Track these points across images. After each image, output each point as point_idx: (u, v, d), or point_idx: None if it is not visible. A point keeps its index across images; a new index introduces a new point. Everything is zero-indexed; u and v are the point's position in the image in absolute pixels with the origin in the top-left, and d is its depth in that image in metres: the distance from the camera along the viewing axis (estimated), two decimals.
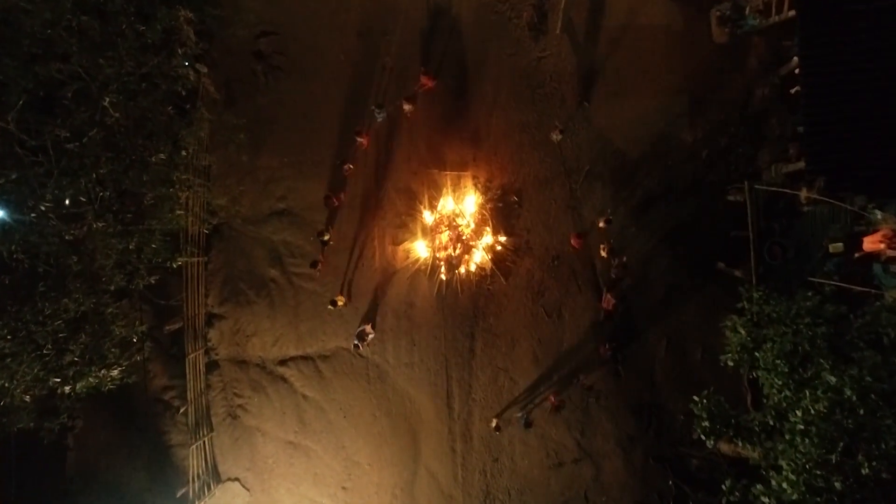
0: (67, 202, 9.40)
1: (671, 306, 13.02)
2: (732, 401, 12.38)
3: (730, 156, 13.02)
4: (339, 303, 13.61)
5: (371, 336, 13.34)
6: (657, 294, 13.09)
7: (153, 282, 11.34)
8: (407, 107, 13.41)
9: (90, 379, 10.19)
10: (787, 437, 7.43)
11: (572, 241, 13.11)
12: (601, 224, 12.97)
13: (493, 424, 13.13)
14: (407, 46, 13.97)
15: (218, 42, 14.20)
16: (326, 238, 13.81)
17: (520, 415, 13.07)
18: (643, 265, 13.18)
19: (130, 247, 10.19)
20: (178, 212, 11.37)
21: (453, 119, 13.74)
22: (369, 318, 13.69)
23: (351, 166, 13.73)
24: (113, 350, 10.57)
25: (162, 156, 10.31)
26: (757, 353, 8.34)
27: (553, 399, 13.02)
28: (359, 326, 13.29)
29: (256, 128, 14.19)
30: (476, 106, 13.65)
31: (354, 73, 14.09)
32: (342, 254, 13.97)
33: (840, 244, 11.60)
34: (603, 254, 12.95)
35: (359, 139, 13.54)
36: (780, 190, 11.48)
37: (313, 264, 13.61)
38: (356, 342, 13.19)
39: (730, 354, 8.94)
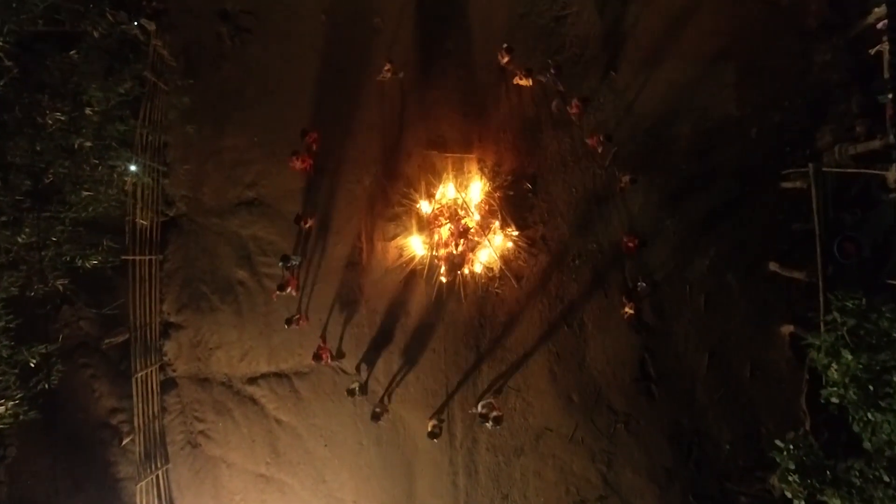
0: None
1: (714, 315, 11.41)
2: (787, 427, 10.61)
3: (784, 135, 11.35)
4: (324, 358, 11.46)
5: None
6: (697, 300, 11.44)
7: (61, 287, 9.01)
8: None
9: None
10: None
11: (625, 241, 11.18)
12: (504, 59, 11.07)
13: (629, 312, 11.05)
14: (400, 4, 12.07)
15: None
16: (307, 225, 11.67)
17: (642, 284, 11.17)
18: (681, 266, 11.49)
19: (19, 239, 7.84)
20: (85, 192, 9.02)
21: (455, 91, 11.93)
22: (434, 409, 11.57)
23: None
24: (2, 378, 8.24)
25: (59, 116, 7.97)
26: (871, 387, 6.22)
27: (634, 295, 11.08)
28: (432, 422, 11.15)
29: (221, 101, 12.24)
30: (482, 75, 11.84)
31: (337, 37, 12.19)
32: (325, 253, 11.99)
33: None
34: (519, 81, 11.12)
35: (286, 288, 11.39)
36: (859, 171, 9.44)
37: (280, 287, 11.26)
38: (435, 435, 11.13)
39: (834, 389, 6.76)
